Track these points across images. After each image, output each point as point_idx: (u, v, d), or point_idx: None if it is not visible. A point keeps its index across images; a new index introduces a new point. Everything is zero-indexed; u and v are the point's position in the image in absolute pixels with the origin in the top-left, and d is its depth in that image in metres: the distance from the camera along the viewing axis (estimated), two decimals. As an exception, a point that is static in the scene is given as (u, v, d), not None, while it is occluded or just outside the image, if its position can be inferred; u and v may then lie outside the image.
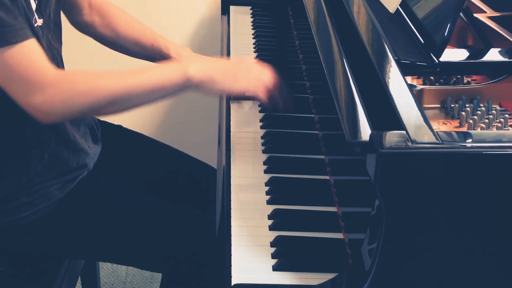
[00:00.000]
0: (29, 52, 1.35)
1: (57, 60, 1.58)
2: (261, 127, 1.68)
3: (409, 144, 1.07)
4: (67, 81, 1.39)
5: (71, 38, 1.81)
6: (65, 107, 1.38)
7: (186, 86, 1.42)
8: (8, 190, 1.57)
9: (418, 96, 1.40)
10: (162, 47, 1.73)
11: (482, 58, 1.49)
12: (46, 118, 1.41)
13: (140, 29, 1.75)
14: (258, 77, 1.46)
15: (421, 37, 1.46)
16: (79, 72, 1.42)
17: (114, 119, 2.01)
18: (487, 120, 1.33)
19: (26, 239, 1.62)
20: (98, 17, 1.76)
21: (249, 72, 1.46)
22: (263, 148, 1.60)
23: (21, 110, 1.44)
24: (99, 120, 1.81)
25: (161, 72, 1.42)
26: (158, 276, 2.58)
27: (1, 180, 1.57)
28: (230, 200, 1.42)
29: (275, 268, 1.23)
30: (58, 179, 1.61)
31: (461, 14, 1.62)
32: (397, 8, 1.58)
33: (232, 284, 1.19)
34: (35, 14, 1.45)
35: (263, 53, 2.00)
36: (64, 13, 1.72)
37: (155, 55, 1.73)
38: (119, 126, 1.91)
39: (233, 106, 1.75)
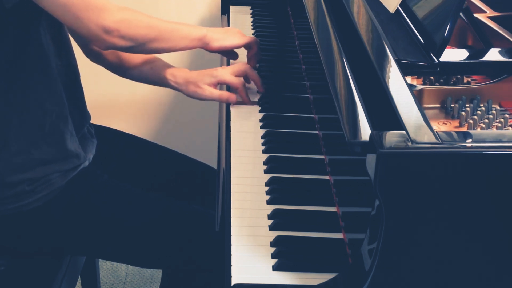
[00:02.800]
0: None
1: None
2: (261, 127, 1.68)
3: (409, 144, 1.07)
4: (129, 9, 1.63)
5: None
6: (130, 29, 1.61)
7: (203, 41, 1.74)
8: (11, 171, 1.61)
9: (418, 96, 1.40)
10: (160, 70, 1.78)
11: (482, 58, 1.49)
12: (115, 40, 1.60)
13: (142, 55, 1.83)
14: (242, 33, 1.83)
15: (421, 37, 1.46)
16: (130, 8, 1.66)
17: (110, 123, 2.03)
18: (487, 120, 1.33)
19: (26, 228, 1.64)
20: None
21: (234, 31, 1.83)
22: (263, 148, 1.60)
23: (27, 79, 1.59)
24: (93, 124, 1.85)
25: (189, 27, 1.75)
26: (158, 276, 2.58)
27: (4, 157, 1.61)
28: (230, 200, 1.42)
29: (275, 268, 1.23)
30: (59, 165, 1.64)
31: (461, 14, 1.62)
32: (397, 8, 1.58)
33: (232, 284, 1.19)
34: None
35: (263, 53, 1.99)
36: (79, 43, 1.85)
37: (154, 78, 1.80)
38: (115, 130, 1.94)
39: (233, 107, 1.75)
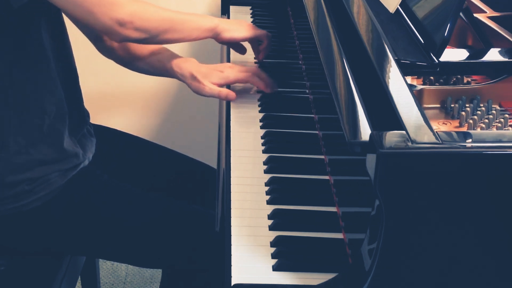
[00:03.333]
0: None
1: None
2: (261, 127, 1.68)
3: (409, 144, 1.07)
4: (140, 1, 1.63)
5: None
6: (143, 21, 1.62)
7: (214, 32, 1.75)
8: (11, 171, 1.61)
9: (418, 96, 1.40)
10: (167, 61, 1.78)
11: (482, 58, 1.49)
12: (130, 32, 1.61)
13: (151, 48, 1.83)
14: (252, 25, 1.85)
15: (421, 37, 1.46)
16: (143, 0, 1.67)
17: (110, 123, 2.03)
18: (487, 120, 1.33)
19: (26, 228, 1.64)
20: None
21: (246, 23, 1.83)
22: (263, 148, 1.60)
23: (27, 79, 1.59)
24: (92, 124, 1.84)
25: (200, 17, 1.75)
26: (158, 276, 2.58)
27: (4, 157, 1.61)
28: (230, 200, 1.42)
29: (275, 268, 1.23)
30: (58, 164, 1.64)
31: (461, 14, 1.62)
32: (397, 8, 1.58)
33: (232, 284, 1.19)
34: None
35: (263, 53, 2.00)
36: (91, 39, 1.86)
37: (161, 70, 1.80)
38: (115, 130, 1.94)
39: (233, 107, 1.75)
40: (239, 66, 1.77)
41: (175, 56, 1.78)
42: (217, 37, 1.77)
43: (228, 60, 1.94)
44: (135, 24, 1.60)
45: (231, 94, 1.75)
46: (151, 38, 1.66)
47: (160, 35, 1.66)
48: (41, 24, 1.60)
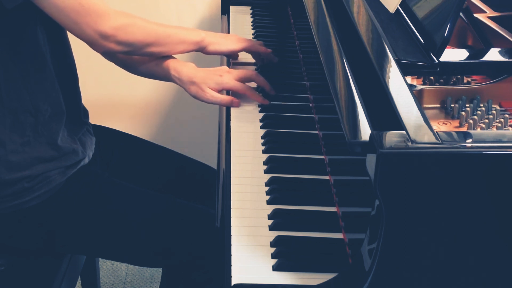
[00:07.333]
0: None
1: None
2: (261, 127, 1.68)
3: (409, 144, 1.07)
4: (126, 14, 1.66)
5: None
6: (126, 35, 1.64)
7: (200, 45, 1.78)
8: (9, 169, 1.61)
9: (418, 96, 1.40)
10: (165, 64, 1.77)
11: (482, 58, 1.49)
12: (112, 45, 1.63)
13: None
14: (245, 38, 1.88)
15: (421, 37, 1.46)
16: (129, 13, 1.68)
17: (110, 123, 2.03)
18: (487, 120, 1.33)
19: (26, 226, 1.64)
20: None
21: (234, 37, 1.87)
22: (263, 148, 1.60)
23: (21, 78, 1.59)
24: (91, 124, 1.84)
25: (186, 31, 1.79)
26: (158, 276, 2.59)
27: (1, 156, 1.62)
28: (230, 200, 1.42)
29: (275, 268, 1.23)
30: (57, 162, 1.64)
31: (461, 14, 1.62)
32: (397, 8, 1.58)
33: (232, 284, 1.19)
34: None
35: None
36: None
37: (159, 74, 1.79)
38: (115, 130, 1.94)
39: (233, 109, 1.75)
40: (237, 71, 1.76)
41: (173, 60, 1.77)
42: (203, 50, 1.79)
43: (228, 61, 1.94)
44: (118, 38, 1.62)
45: (235, 101, 1.74)
46: (135, 51, 1.69)
47: (144, 49, 1.69)
48: (37, 25, 1.60)
